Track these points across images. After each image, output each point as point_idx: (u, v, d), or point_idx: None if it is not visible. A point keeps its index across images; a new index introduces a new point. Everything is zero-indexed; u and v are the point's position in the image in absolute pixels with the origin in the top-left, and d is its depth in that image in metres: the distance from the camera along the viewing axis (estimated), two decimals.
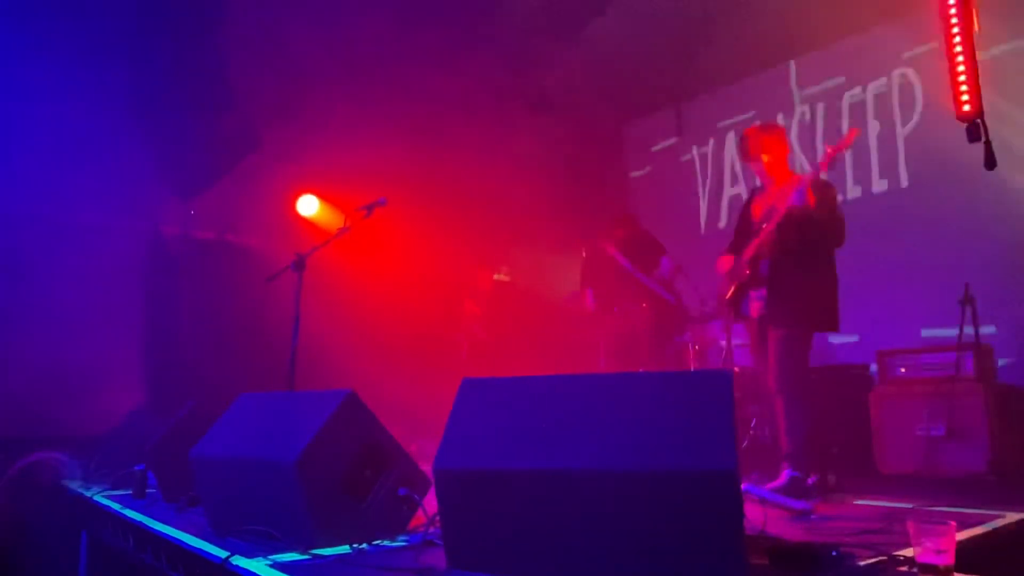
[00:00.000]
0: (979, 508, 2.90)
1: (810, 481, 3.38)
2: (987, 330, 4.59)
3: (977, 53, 2.63)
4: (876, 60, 5.80)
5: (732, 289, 3.70)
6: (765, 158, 3.63)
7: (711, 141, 7.04)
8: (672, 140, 7.39)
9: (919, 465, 4.16)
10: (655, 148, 7.61)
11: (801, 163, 6.24)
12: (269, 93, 5.74)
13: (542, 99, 6.83)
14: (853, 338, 5.56)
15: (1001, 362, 4.58)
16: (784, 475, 3.32)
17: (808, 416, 3.41)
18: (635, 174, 7.87)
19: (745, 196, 6.65)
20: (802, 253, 3.45)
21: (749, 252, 3.62)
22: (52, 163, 4.99)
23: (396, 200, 4.25)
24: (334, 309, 5.62)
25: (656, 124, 7.56)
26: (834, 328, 3.56)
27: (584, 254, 5.90)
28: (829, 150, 3.37)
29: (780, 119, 6.42)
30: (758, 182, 3.91)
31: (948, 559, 1.68)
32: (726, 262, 3.78)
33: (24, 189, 4.88)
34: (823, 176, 3.45)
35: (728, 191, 6.88)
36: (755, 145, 3.66)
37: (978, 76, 2.03)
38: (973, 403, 4.11)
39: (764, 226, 3.56)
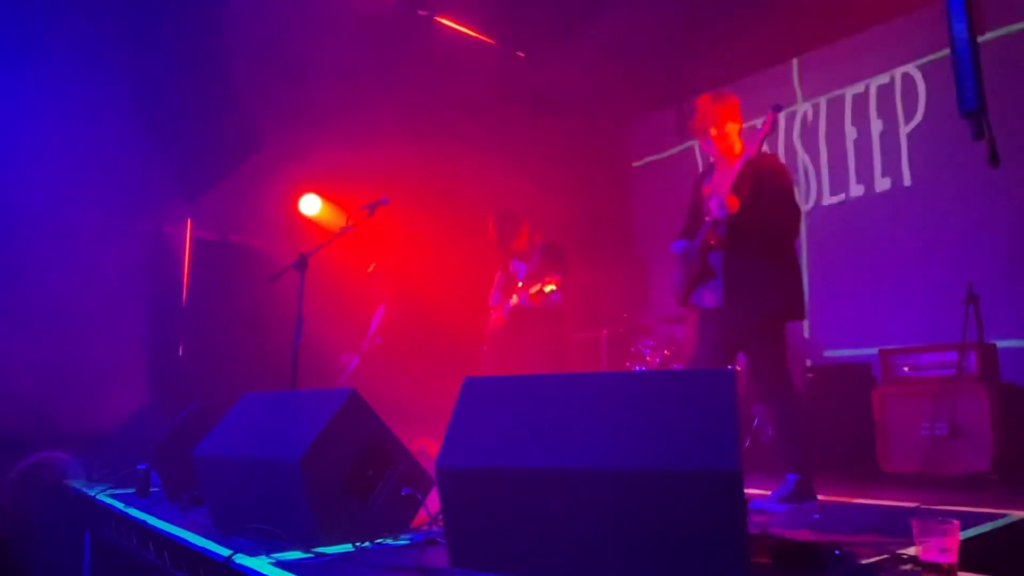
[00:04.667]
0: (982, 507, 2.90)
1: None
2: (1007, 344, 4.58)
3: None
4: (879, 58, 5.79)
5: (687, 279, 3.45)
6: (713, 131, 3.34)
7: None
8: (674, 138, 7.38)
9: (922, 464, 4.16)
10: (658, 148, 7.61)
11: (804, 161, 6.24)
12: (272, 93, 5.75)
13: (544, 98, 6.83)
14: (856, 336, 5.55)
15: (1004, 344, 4.57)
16: (789, 480, 3.20)
17: (802, 414, 3.30)
18: (636, 164, 7.87)
19: None
20: (754, 240, 3.19)
21: (698, 242, 3.36)
22: (55, 164, 4.99)
23: (398, 199, 4.26)
24: (337, 309, 5.62)
25: (658, 122, 7.55)
26: (801, 317, 3.35)
27: None
28: (753, 144, 3.10)
29: (782, 118, 6.41)
30: (711, 159, 3.61)
31: (952, 558, 1.68)
32: (679, 245, 3.54)
33: (27, 190, 4.89)
34: (765, 151, 3.18)
35: None
36: (702, 116, 3.35)
37: (981, 71, 2.03)
38: (976, 402, 4.10)
39: (709, 217, 3.27)
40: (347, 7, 5.38)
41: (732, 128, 3.37)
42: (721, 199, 3.13)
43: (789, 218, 3.25)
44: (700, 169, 7.17)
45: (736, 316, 3.24)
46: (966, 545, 1.82)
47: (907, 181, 5.61)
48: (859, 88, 5.96)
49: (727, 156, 3.41)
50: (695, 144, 7.19)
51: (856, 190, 5.90)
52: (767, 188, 3.20)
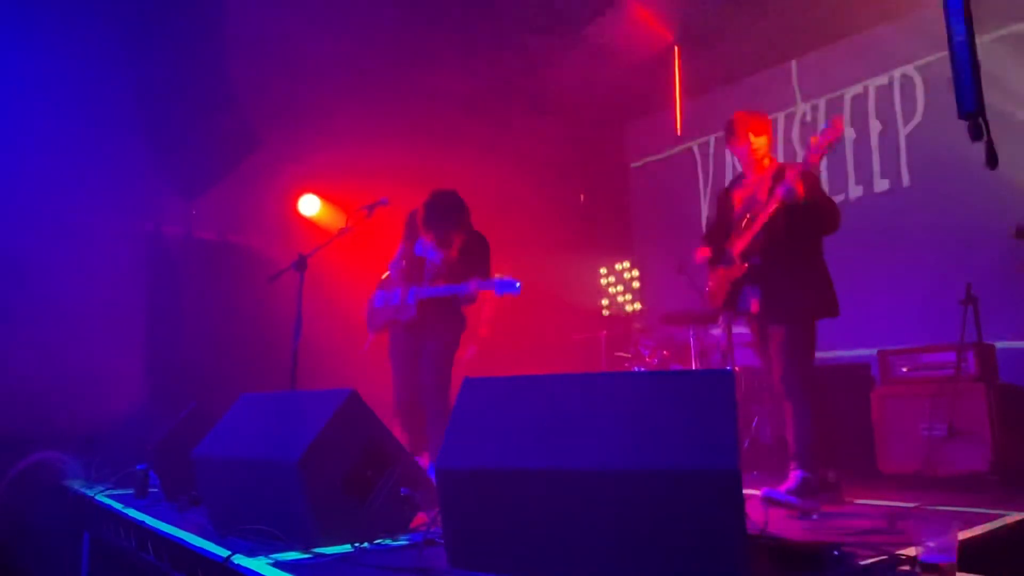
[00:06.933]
0: (981, 508, 2.90)
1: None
2: (1005, 344, 4.59)
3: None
4: (878, 59, 5.79)
5: (727, 285, 3.61)
6: (753, 139, 3.59)
7: (712, 141, 7.04)
8: (672, 139, 7.39)
9: (921, 465, 4.16)
10: (656, 149, 7.61)
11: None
12: (270, 93, 5.75)
13: (543, 99, 6.83)
14: (855, 337, 5.55)
15: (1002, 344, 4.56)
16: (794, 476, 3.21)
17: (817, 414, 3.33)
18: (635, 164, 7.88)
19: None
20: (793, 245, 3.41)
21: (740, 246, 3.52)
22: (54, 164, 4.99)
23: (398, 200, 4.26)
24: (336, 309, 5.62)
25: (656, 123, 7.55)
26: (835, 313, 3.49)
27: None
28: (815, 142, 3.26)
29: (781, 118, 6.42)
30: (739, 168, 3.91)
31: (950, 558, 1.68)
32: (705, 252, 3.75)
33: (26, 189, 4.88)
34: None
35: None
36: (742, 125, 3.61)
37: (980, 72, 2.03)
38: (975, 403, 4.10)
39: (750, 220, 3.48)
40: (347, 7, 5.38)
41: (764, 140, 3.65)
42: (791, 186, 3.27)
43: (828, 208, 3.47)
44: (699, 169, 7.21)
45: (771, 315, 3.45)
46: (965, 546, 1.83)
47: (906, 182, 5.61)
48: (858, 89, 5.96)
49: (756, 166, 3.64)
50: (694, 145, 7.20)
51: (855, 191, 5.91)
52: (813, 188, 3.41)
